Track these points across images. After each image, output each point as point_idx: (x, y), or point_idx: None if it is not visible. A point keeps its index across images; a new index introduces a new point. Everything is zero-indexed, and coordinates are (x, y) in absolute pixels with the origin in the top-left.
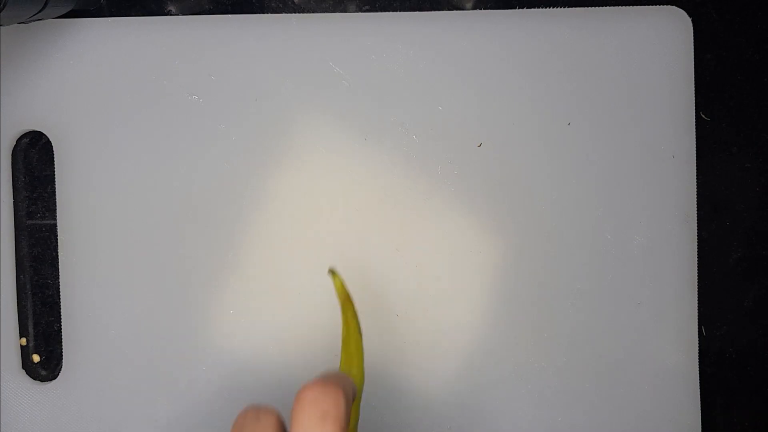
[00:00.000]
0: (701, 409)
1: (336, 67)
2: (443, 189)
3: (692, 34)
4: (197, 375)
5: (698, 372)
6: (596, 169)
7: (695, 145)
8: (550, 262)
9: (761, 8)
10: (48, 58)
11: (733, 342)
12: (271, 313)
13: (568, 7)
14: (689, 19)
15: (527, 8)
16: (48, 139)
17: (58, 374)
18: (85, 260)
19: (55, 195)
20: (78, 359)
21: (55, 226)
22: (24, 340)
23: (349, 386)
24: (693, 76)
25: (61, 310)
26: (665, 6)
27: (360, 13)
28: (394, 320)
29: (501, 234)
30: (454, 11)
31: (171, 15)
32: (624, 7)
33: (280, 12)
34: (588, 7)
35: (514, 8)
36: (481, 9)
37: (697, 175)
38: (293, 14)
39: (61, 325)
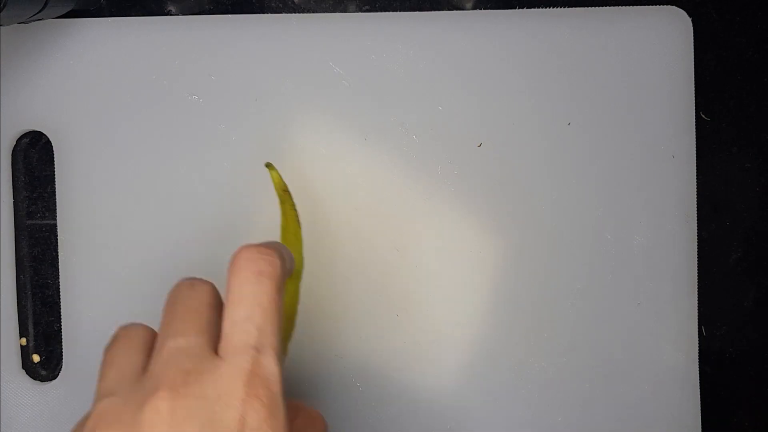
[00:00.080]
0: (701, 409)
1: (336, 67)
2: (443, 189)
3: (692, 34)
4: None
5: (698, 372)
6: (596, 169)
7: (695, 145)
8: (550, 262)
9: (761, 8)
10: (48, 58)
11: (733, 342)
12: None
13: (568, 7)
14: (689, 19)
15: (527, 8)
16: (48, 139)
17: (58, 374)
18: (85, 260)
19: (55, 195)
20: (78, 359)
21: (55, 226)
22: (24, 340)
23: (287, 256)
24: (693, 76)
25: (61, 310)
26: (665, 6)
27: (360, 13)
28: (394, 320)
29: (501, 234)
30: (454, 11)
31: (171, 15)
32: (624, 7)
33: (280, 12)
34: (588, 7)
35: (514, 8)
36: (481, 9)
37: (697, 175)
38: (293, 14)
39: (61, 325)
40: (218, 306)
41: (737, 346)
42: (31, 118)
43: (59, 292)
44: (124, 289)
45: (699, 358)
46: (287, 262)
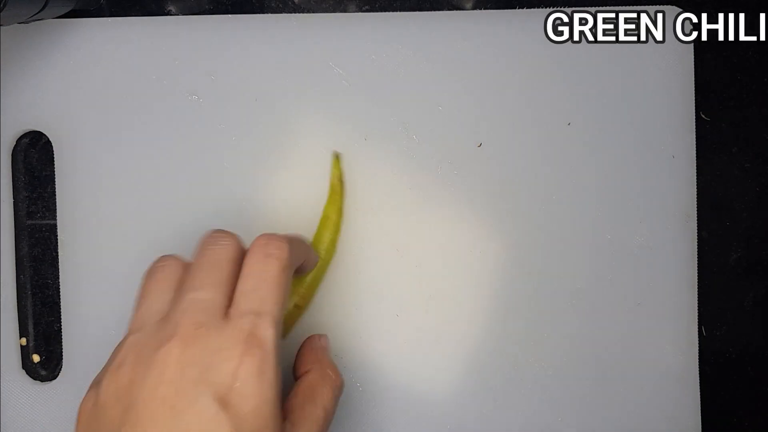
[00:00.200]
0: (701, 409)
1: (336, 67)
2: (443, 189)
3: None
4: None
5: (698, 372)
6: (596, 169)
7: (695, 145)
8: (550, 262)
9: (761, 8)
10: (48, 58)
11: (733, 342)
12: None
13: (568, 7)
14: None
15: (527, 8)
16: (48, 139)
17: (58, 374)
18: (85, 260)
19: (55, 195)
20: (78, 359)
21: (55, 226)
22: (24, 340)
23: (302, 246)
24: (693, 76)
25: (61, 310)
26: (665, 6)
27: (360, 13)
28: (394, 320)
29: (501, 234)
30: (454, 11)
31: (171, 15)
32: (624, 7)
33: (280, 12)
34: (588, 7)
35: (514, 8)
36: (481, 9)
37: (697, 175)
38: (293, 14)
39: (61, 325)
40: (239, 259)
41: (737, 346)
42: (31, 118)
43: (59, 292)
44: (124, 289)
45: (699, 358)
46: (301, 252)
